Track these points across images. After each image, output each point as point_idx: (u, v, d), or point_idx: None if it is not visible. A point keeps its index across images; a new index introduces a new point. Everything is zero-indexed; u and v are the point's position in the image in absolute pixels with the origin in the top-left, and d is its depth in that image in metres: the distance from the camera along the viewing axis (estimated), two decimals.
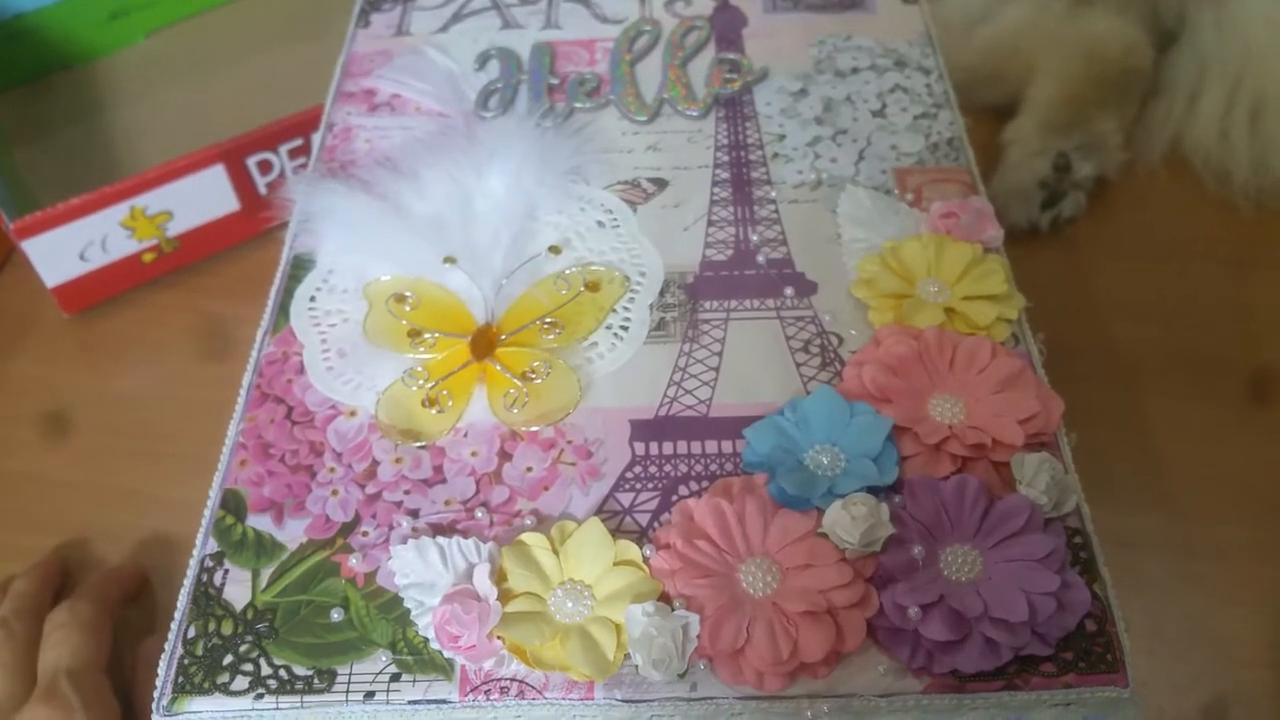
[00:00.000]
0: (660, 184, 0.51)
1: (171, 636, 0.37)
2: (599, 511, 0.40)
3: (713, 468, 0.41)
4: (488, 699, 0.36)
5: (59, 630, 0.47)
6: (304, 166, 0.64)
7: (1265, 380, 0.59)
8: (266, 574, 0.39)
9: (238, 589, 0.38)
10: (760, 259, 0.47)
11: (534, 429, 0.42)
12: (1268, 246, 0.66)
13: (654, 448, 0.41)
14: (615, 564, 0.37)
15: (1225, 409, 0.58)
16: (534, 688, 0.36)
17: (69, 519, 0.55)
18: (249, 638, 0.37)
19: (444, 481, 0.41)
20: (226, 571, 0.39)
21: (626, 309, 0.46)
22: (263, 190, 0.65)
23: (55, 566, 0.52)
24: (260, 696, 0.36)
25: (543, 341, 0.44)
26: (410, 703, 0.36)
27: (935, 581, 0.36)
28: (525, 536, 0.38)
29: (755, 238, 0.48)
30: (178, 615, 0.38)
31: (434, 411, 0.42)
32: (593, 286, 0.46)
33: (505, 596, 0.37)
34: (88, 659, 0.47)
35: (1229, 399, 0.59)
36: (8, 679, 0.46)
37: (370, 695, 0.36)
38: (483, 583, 0.36)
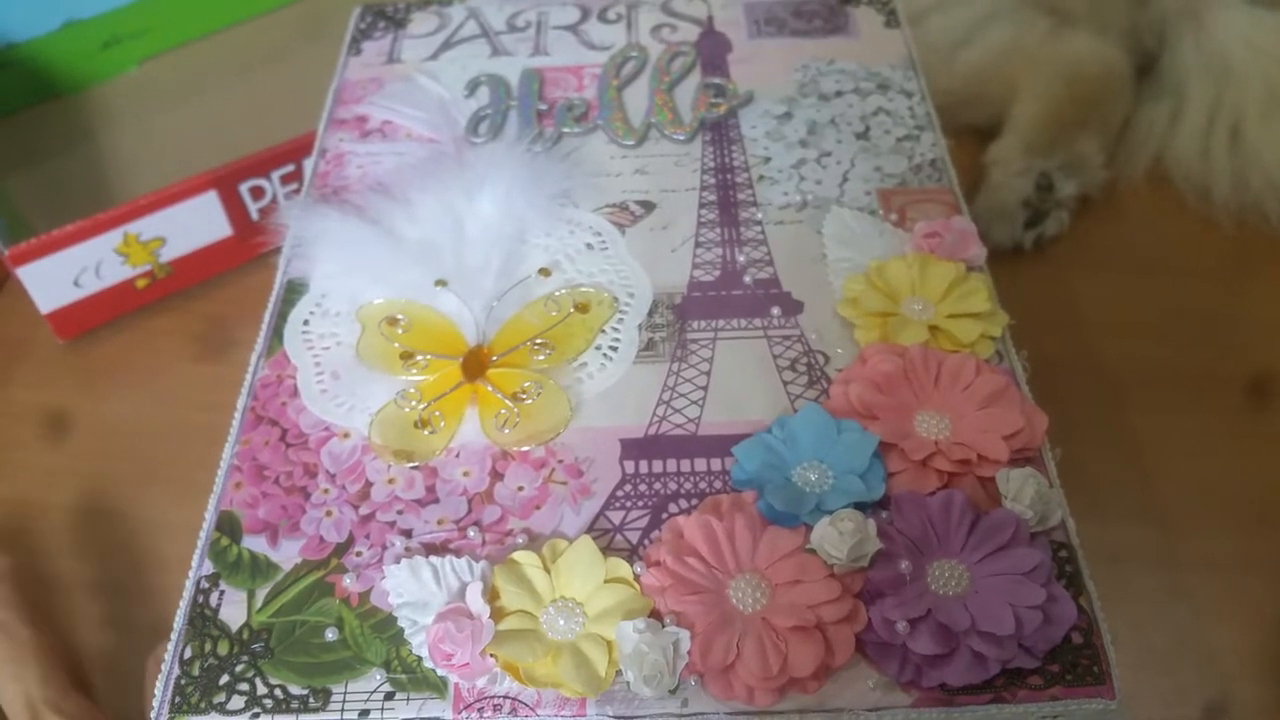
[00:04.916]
0: (648, 207, 0.52)
1: (168, 657, 0.37)
2: (590, 530, 0.40)
3: (702, 485, 0.41)
4: (481, 716, 0.36)
5: (9, 665, 0.45)
6: (296, 192, 0.65)
7: (1250, 391, 0.60)
8: (262, 594, 0.39)
9: (233, 610, 0.39)
10: (747, 279, 0.48)
11: (525, 449, 0.42)
12: (1249, 261, 0.67)
13: (644, 466, 0.42)
14: (606, 581, 0.38)
15: (1210, 421, 0.59)
16: (527, 705, 0.36)
17: (62, 541, 0.55)
18: (245, 658, 0.37)
19: (436, 501, 0.41)
20: (222, 592, 0.39)
21: (615, 330, 0.46)
22: (255, 216, 0.65)
23: None
24: (256, 716, 0.36)
25: (533, 362, 0.45)
26: None
27: (923, 596, 0.37)
28: (517, 555, 0.39)
29: (742, 258, 0.49)
30: (174, 636, 0.38)
31: (426, 432, 0.43)
32: (582, 308, 0.47)
33: (498, 614, 0.37)
34: (59, 682, 0.46)
35: (1214, 411, 0.59)
36: None
37: (365, 714, 0.36)
38: (475, 601, 0.37)
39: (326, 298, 0.48)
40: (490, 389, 0.44)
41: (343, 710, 0.36)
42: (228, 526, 0.41)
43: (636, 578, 0.38)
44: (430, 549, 0.40)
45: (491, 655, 0.36)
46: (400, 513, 0.41)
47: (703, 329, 0.46)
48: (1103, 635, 0.37)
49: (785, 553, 0.38)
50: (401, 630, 0.37)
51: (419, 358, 0.45)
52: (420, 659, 0.37)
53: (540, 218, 0.50)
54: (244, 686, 0.37)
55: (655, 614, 0.37)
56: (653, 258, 0.49)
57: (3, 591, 0.48)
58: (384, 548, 0.40)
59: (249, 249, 0.66)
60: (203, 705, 0.36)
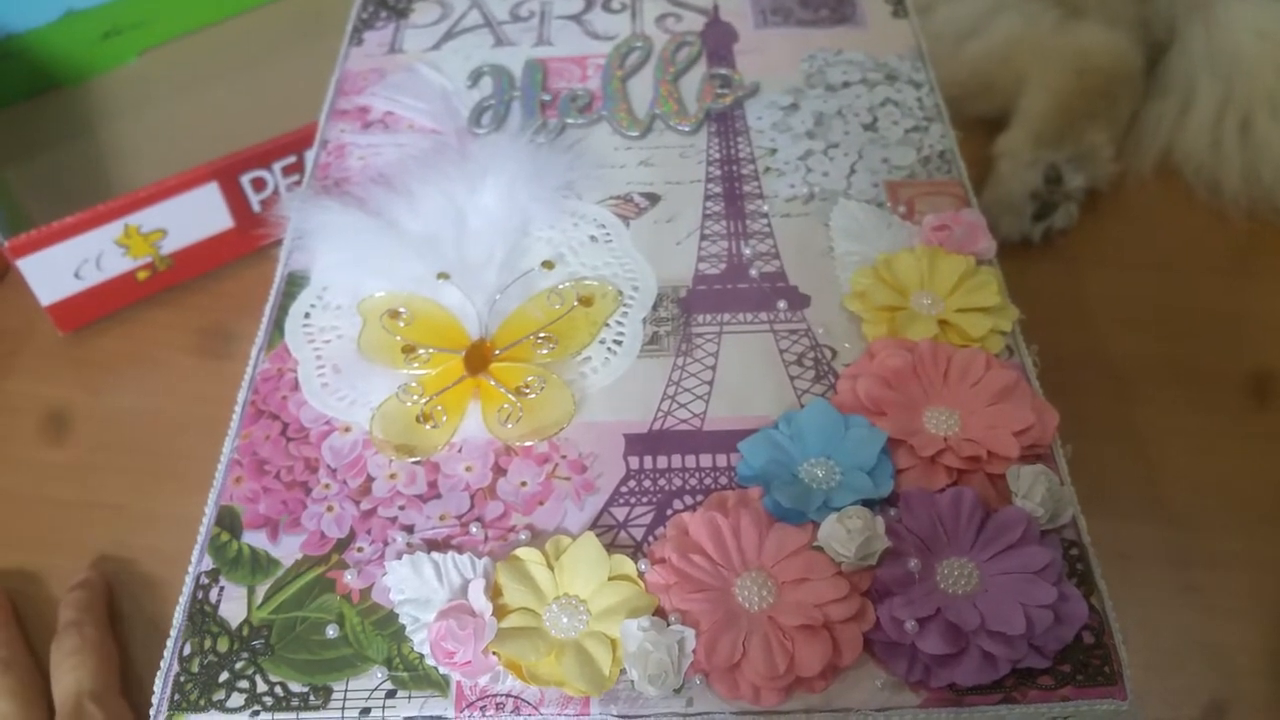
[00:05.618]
0: (653, 199, 0.51)
1: (167, 654, 0.37)
2: (594, 526, 0.40)
3: (707, 481, 0.41)
4: (483, 715, 0.36)
5: (73, 656, 0.47)
6: (298, 184, 0.64)
7: (1260, 388, 0.60)
8: (262, 591, 0.39)
9: (233, 606, 0.38)
10: (753, 272, 0.48)
11: (528, 444, 0.42)
12: (1259, 255, 0.66)
13: (648, 462, 0.41)
14: (610, 579, 0.37)
15: (1220, 418, 0.58)
16: (530, 703, 0.36)
17: (64, 535, 0.55)
18: (245, 655, 0.37)
19: (439, 497, 0.41)
20: (222, 589, 0.39)
21: (620, 323, 0.46)
22: (257, 208, 0.65)
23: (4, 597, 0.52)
24: (256, 714, 0.36)
25: (536, 356, 0.44)
26: (406, 719, 0.36)
27: (932, 595, 0.36)
28: (520, 552, 0.38)
29: (748, 251, 0.48)
30: (173, 632, 0.38)
31: (428, 427, 0.42)
32: (586, 301, 0.46)
33: (500, 612, 0.37)
34: (107, 681, 0.47)
35: (1224, 408, 0.59)
36: (18, 706, 0.46)
37: (366, 712, 0.36)
38: (478, 598, 0.36)
39: (328, 290, 0.48)
40: (493, 383, 0.43)
41: (344, 708, 0.36)
42: (228, 521, 0.40)
43: (641, 575, 0.38)
44: (432, 545, 0.39)
45: (494, 653, 0.36)
46: (402, 508, 0.41)
47: (708, 323, 0.46)
48: (1114, 635, 0.36)
49: (792, 550, 0.37)
50: (403, 627, 0.37)
51: (421, 351, 0.45)
52: (422, 656, 0.36)
53: (543, 210, 0.50)
54: (244, 684, 0.36)
55: (660, 612, 0.37)
56: (657, 250, 0.49)
57: (83, 597, 0.51)
58: (385, 544, 0.40)
59: (250, 241, 0.65)
60: (202, 703, 0.36)
